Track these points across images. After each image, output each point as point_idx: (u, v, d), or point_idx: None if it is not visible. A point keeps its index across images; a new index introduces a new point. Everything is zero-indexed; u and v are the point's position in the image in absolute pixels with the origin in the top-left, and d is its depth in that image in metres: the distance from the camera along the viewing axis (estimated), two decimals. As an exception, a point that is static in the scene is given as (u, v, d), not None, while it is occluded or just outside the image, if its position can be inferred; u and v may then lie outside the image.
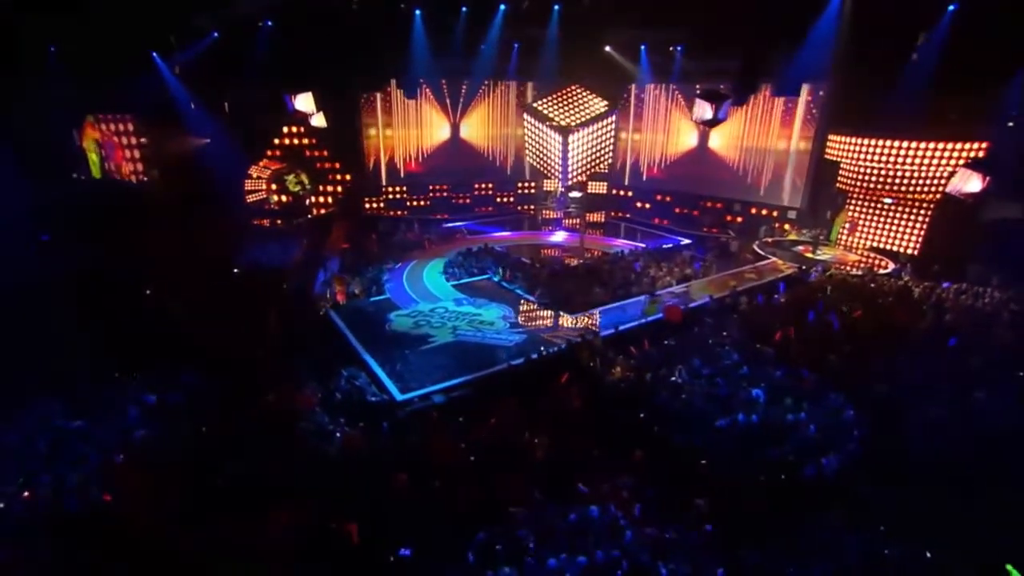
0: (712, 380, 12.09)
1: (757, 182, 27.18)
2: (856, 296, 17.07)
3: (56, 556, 7.76)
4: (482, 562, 7.34)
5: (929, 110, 19.77)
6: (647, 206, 30.62)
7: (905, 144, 20.79)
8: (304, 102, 24.95)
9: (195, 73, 23.37)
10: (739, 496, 8.72)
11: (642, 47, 27.31)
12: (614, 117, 26.82)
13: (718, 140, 27.88)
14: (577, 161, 26.04)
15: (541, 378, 12.29)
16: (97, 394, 11.52)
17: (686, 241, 25.68)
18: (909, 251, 22.16)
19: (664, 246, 24.79)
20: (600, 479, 8.79)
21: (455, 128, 30.28)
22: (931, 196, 21.28)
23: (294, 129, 26.66)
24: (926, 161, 20.73)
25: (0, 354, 11.01)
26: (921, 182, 21.23)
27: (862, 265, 21.43)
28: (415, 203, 30.45)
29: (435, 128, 29.98)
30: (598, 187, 31.32)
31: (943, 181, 20.48)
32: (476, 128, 30.66)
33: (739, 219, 27.74)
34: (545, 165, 26.97)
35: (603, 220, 30.06)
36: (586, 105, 26.02)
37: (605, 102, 26.13)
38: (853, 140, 22.14)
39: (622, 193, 31.53)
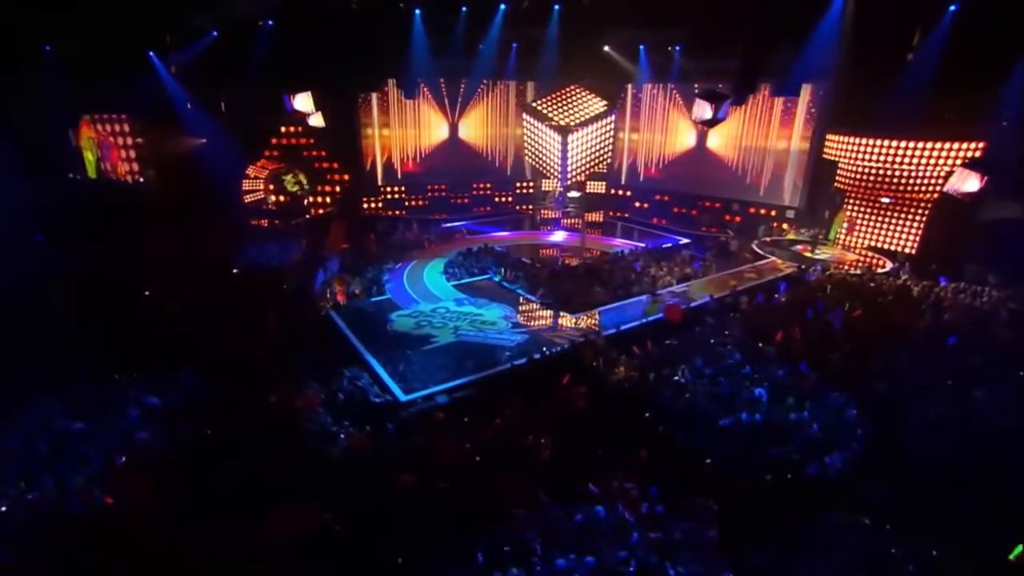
0: (715, 380, 12.11)
1: (755, 182, 27.26)
2: (856, 295, 17.15)
3: (57, 557, 7.71)
4: (490, 563, 7.32)
5: (928, 110, 19.89)
6: (645, 206, 30.66)
7: (902, 144, 20.90)
8: (303, 102, 24.90)
9: (193, 73, 23.27)
10: (744, 495, 8.74)
11: (641, 47, 27.33)
12: (613, 117, 26.89)
13: (716, 140, 27.94)
14: (576, 161, 26.10)
15: (545, 378, 12.29)
16: (97, 395, 11.45)
17: (685, 240, 25.73)
18: (907, 250, 22.28)
19: (663, 246, 24.83)
20: (607, 479, 8.79)
21: (453, 128, 30.23)
22: (928, 195, 21.40)
23: (292, 129, 26.56)
24: (923, 161, 20.86)
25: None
26: (919, 181, 21.35)
27: (861, 264, 21.53)
28: (413, 203, 30.39)
29: (433, 128, 29.91)
30: (596, 187, 31.36)
31: (941, 181, 20.61)
32: (474, 128, 30.62)
33: (737, 219, 27.82)
34: (544, 165, 27.01)
35: (601, 220, 30.09)
36: (585, 105, 26.09)
37: (604, 102, 26.19)
38: (851, 140, 22.24)
39: (620, 193, 31.57)
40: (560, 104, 25.95)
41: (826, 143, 23.72)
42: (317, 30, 22.85)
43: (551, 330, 15.63)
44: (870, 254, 22.78)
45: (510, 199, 32.07)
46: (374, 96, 28.31)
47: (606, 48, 27.84)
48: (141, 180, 23.07)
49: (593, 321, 15.93)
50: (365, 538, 7.89)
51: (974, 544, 7.93)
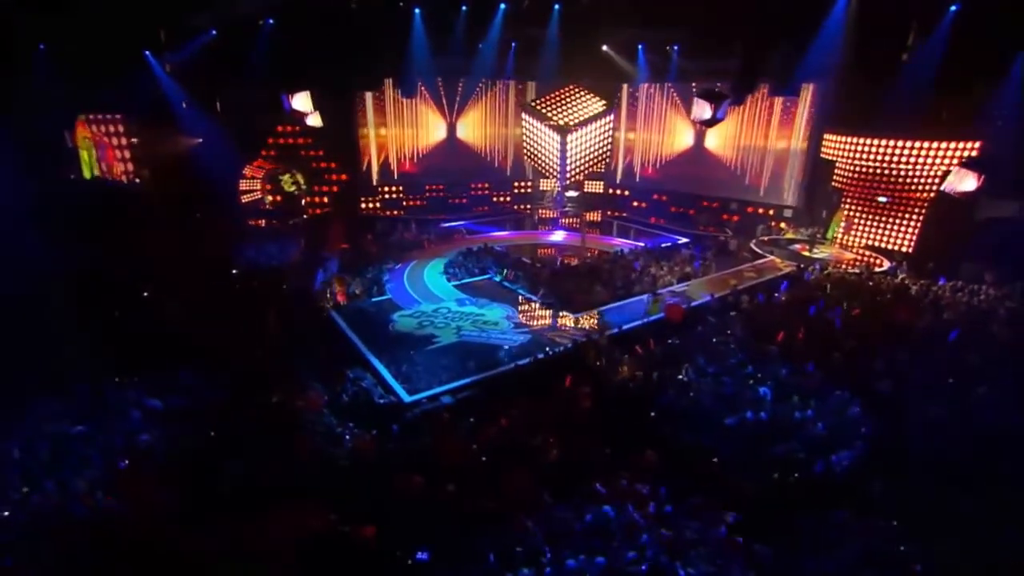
0: (718, 379, 12.14)
1: (754, 181, 27.33)
2: (855, 294, 17.24)
3: (59, 558, 7.64)
4: (501, 563, 7.30)
5: (926, 110, 19.99)
6: (643, 205, 30.70)
7: (899, 143, 21.02)
8: (301, 101, 24.76)
9: (189, 72, 23.08)
10: (752, 494, 8.77)
11: (640, 47, 27.35)
12: (612, 116, 26.92)
13: (714, 140, 28.01)
14: (575, 160, 26.11)
15: (548, 378, 12.27)
16: (98, 397, 11.35)
17: (683, 240, 25.79)
18: (904, 249, 22.42)
19: (662, 245, 24.88)
20: (615, 479, 8.79)
21: (451, 128, 30.15)
22: (925, 195, 21.54)
23: (289, 128, 26.41)
24: (920, 160, 20.98)
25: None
26: (916, 181, 21.48)
27: (858, 263, 21.65)
28: (411, 203, 30.28)
29: (431, 128, 29.81)
30: (594, 186, 31.38)
31: (937, 180, 20.74)
32: (473, 128, 30.54)
33: (735, 218, 27.90)
34: (543, 164, 27.00)
35: (599, 219, 30.11)
36: (584, 104, 26.10)
37: (603, 101, 26.20)
38: (848, 139, 22.35)
39: (619, 192, 31.60)
40: (559, 104, 25.95)
41: (823, 143, 23.81)
42: (317, 29, 22.73)
43: (552, 330, 15.61)
44: (868, 253, 22.92)
45: (508, 199, 32.03)
46: (368, 96, 28.05)
47: (605, 48, 27.86)
48: (137, 180, 22.86)
49: (595, 321, 15.94)
50: (379, 540, 7.85)
51: (974, 543, 7.96)
